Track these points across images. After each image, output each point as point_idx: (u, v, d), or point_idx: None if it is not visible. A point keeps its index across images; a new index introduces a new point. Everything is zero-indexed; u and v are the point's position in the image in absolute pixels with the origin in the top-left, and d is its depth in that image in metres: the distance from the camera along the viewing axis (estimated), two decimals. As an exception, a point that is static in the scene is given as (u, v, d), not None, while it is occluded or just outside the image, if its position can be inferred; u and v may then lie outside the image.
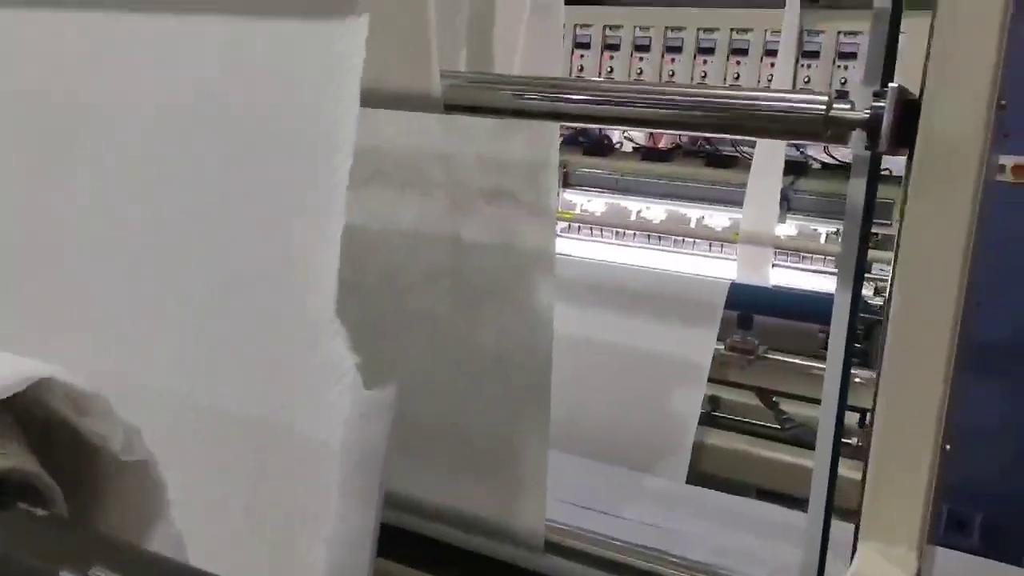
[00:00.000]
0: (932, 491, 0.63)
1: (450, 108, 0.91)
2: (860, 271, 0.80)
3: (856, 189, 0.77)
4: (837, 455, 0.83)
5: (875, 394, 0.82)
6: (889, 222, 2.45)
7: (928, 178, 0.56)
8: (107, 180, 0.82)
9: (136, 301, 0.79)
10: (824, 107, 0.73)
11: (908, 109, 0.71)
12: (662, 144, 2.59)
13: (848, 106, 0.76)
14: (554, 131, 1.18)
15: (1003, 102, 0.61)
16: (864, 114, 0.72)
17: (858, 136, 0.75)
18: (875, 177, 0.80)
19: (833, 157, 2.45)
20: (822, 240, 2.57)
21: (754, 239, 2.32)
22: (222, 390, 0.74)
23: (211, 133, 0.77)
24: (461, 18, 1.00)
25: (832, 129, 0.74)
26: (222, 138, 0.76)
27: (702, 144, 2.58)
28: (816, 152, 2.44)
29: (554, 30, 1.18)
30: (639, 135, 2.60)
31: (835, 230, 2.58)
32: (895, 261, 0.80)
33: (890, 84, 0.71)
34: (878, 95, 0.72)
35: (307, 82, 0.71)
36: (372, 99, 0.69)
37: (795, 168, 2.39)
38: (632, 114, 0.82)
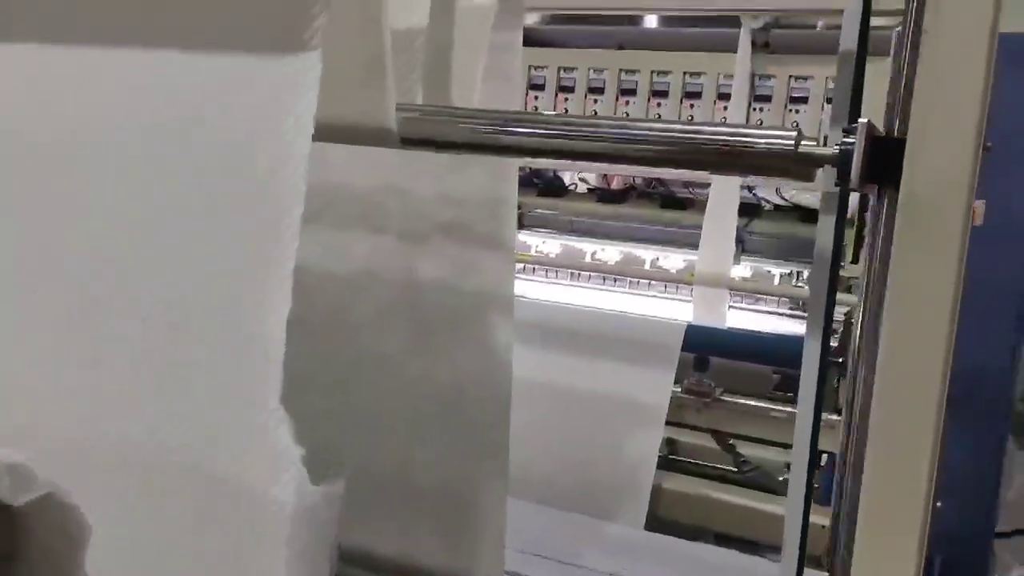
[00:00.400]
0: (923, 550, 0.60)
1: (407, 142, 0.88)
2: (830, 310, 0.78)
3: (825, 226, 0.75)
4: (809, 504, 0.80)
5: (846, 443, 0.79)
6: (841, 263, 2.49)
7: (914, 221, 0.54)
8: (45, 222, 0.77)
9: (76, 350, 0.74)
10: (793, 143, 0.71)
11: (877, 146, 0.69)
12: (615, 184, 2.59)
13: (813, 142, 0.75)
14: (513, 163, 1.16)
15: (988, 144, 0.60)
16: (833, 150, 0.70)
17: (827, 173, 0.74)
18: (843, 215, 0.78)
19: (784, 199, 2.48)
20: (775, 281, 2.58)
21: (710, 280, 2.31)
22: (165, 444, 0.69)
23: (155, 173, 0.72)
24: (417, 57, 0.97)
25: (801, 165, 0.72)
26: (166, 179, 0.72)
27: (655, 185, 2.59)
28: (768, 194, 2.47)
29: (513, 70, 1.16)
30: (592, 176, 2.60)
31: (788, 272, 2.60)
32: (864, 302, 0.78)
33: (859, 120, 0.70)
34: (848, 131, 0.71)
35: (257, 120, 0.68)
36: (326, 133, 0.66)
37: (748, 210, 2.40)
38: (598, 149, 0.79)
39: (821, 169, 0.76)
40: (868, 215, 0.82)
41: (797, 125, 2.30)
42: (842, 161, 0.70)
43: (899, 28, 0.74)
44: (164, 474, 0.68)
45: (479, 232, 1.18)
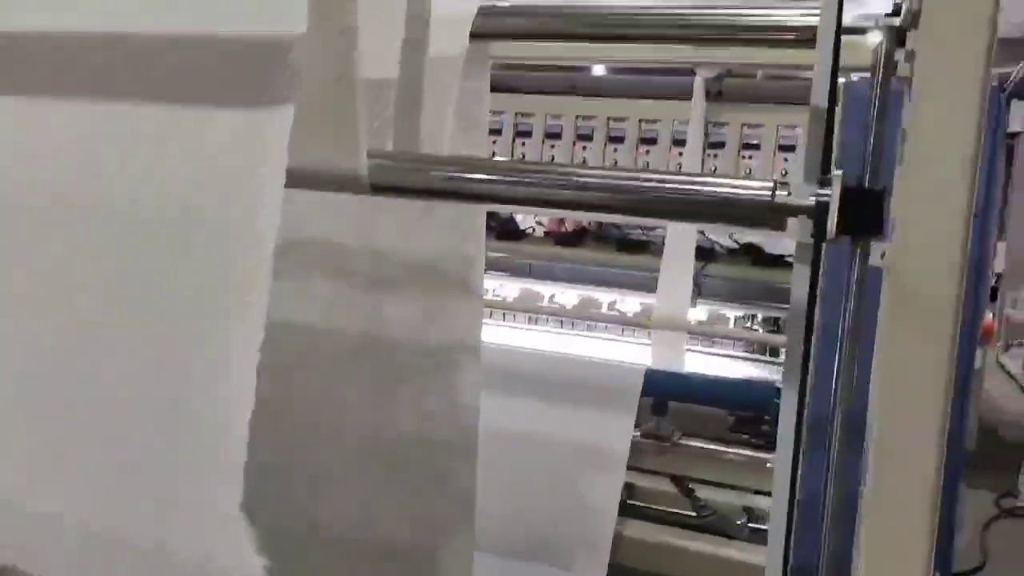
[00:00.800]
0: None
1: (377, 189, 0.86)
2: (807, 361, 0.78)
3: (800, 276, 0.75)
4: (788, 553, 0.79)
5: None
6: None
7: (905, 296, 0.54)
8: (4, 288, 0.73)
9: (33, 420, 0.70)
10: (769, 194, 0.72)
11: (851, 197, 0.70)
12: (567, 227, 2.60)
13: (786, 192, 0.75)
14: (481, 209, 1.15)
15: (976, 214, 0.61)
16: (810, 202, 0.71)
17: (802, 224, 0.74)
18: (818, 266, 0.79)
19: (737, 243, 2.51)
20: (731, 324, 2.60)
21: (668, 324, 2.32)
22: (123, 520, 0.66)
23: (120, 231, 0.70)
24: (388, 106, 0.97)
25: (777, 216, 0.73)
26: (130, 238, 0.69)
27: (607, 228, 2.60)
28: (721, 237, 2.50)
29: (482, 117, 1.16)
30: (545, 219, 2.61)
31: (743, 314, 2.62)
32: (840, 349, 0.78)
33: (834, 172, 0.71)
34: (823, 183, 0.72)
35: (227, 175, 0.66)
36: (296, 180, 0.65)
37: (703, 253, 2.43)
38: (575, 198, 0.79)
39: (795, 219, 0.76)
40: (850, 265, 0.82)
41: (750, 171, 2.34)
42: (818, 212, 0.71)
43: (872, 85, 0.75)
44: (123, 549, 0.65)
45: (447, 279, 1.16)
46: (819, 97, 0.76)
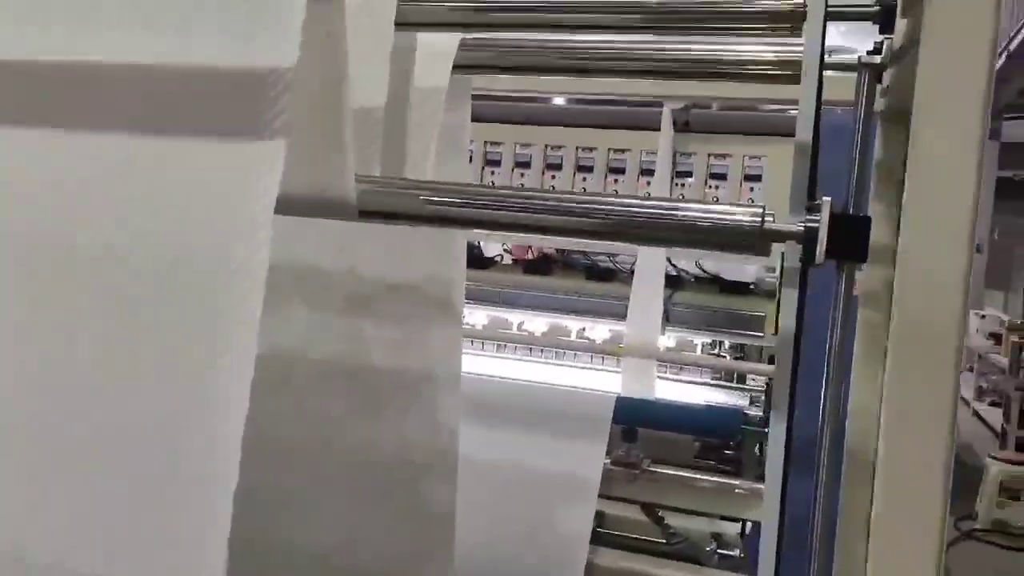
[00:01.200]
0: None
1: (365, 215, 0.86)
2: (794, 384, 0.79)
3: (788, 300, 0.77)
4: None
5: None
6: (761, 334, 2.56)
7: (912, 328, 0.56)
8: None
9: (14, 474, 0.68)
10: (759, 221, 0.74)
11: (837, 223, 0.72)
12: (532, 254, 2.62)
13: (771, 218, 0.77)
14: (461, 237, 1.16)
15: (978, 244, 0.62)
16: (799, 227, 0.73)
17: (790, 250, 0.76)
18: (805, 289, 0.80)
19: (703, 270, 2.54)
20: (698, 351, 2.63)
21: (639, 351, 2.34)
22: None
23: (104, 267, 0.69)
24: (376, 135, 0.97)
25: (767, 242, 0.74)
26: (117, 273, 0.68)
27: (574, 256, 2.62)
28: (688, 265, 2.53)
29: (464, 146, 1.17)
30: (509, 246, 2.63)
31: (711, 341, 2.65)
32: (827, 369, 0.79)
33: (823, 198, 0.73)
34: (811, 209, 0.73)
35: (218, 209, 0.65)
36: (283, 205, 0.64)
37: (671, 281, 2.45)
38: (564, 224, 0.79)
39: (779, 245, 0.78)
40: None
41: (717, 200, 2.38)
42: (807, 238, 0.72)
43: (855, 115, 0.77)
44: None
45: (428, 302, 1.17)
46: (804, 130, 0.78)
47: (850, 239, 0.73)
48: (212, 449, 0.63)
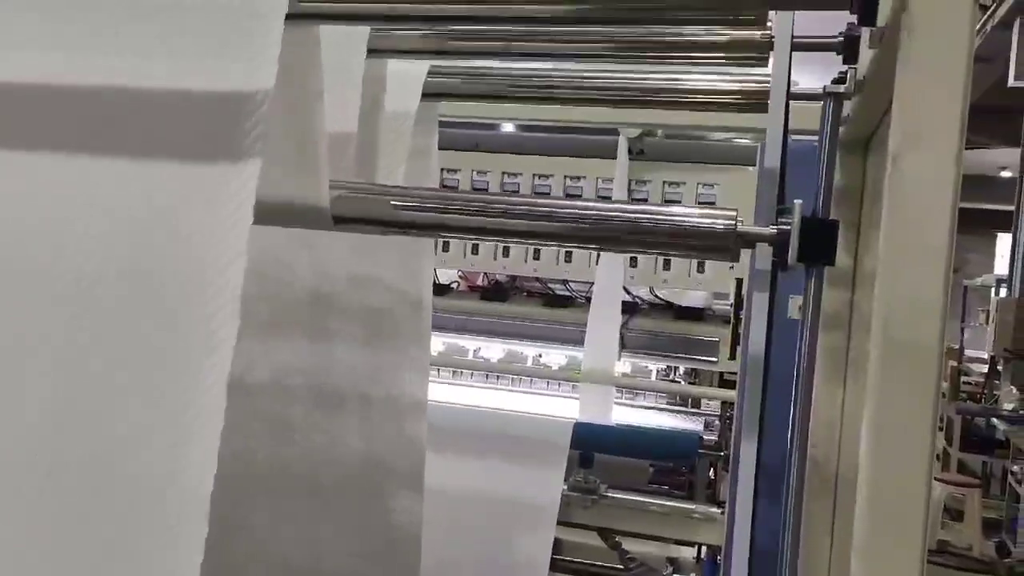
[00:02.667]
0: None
1: (340, 221, 0.85)
2: (764, 396, 0.80)
3: (760, 304, 0.77)
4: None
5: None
6: (715, 359, 2.59)
7: (894, 353, 0.57)
8: None
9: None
10: (733, 223, 0.75)
11: (808, 227, 0.73)
12: (488, 281, 2.63)
13: (742, 223, 0.78)
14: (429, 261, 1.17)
15: (955, 268, 0.64)
16: (772, 230, 0.75)
17: (761, 252, 0.77)
18: (775, 292, 0.81)
19: (658, 297, 2.58)
20: (653, 377, 2.66)
21: (597, 377, 2.35)
22: None
23: (75, 290, 0.67)
24: (348, 157, 0.97)
25: (740, 244, 0.75)
26: (88, 297, 0.67)
27: (530, 283, 2.63)
28: (642, 292, 2.56)
29: (432, 171, 1.17)
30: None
31: (664, 367, 2.68)
32: (796, 382, 0.80)
33: (795, 201, 0.74)
34: (782, 212, 0.75)
35: (191, 231, 0.65)
36: (257, 214, 0.64)
37: (627, 307, 2.48)
38: (541, 229, 0.80)
39: (750, 250, 0.79)
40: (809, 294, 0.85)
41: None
42: (779, 240, 0.74)
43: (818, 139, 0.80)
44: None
45: (395, 322, 1.17)
46: (773, 149, 0.80)
47: (820, 242, 0.74)
48: (185, 475, 0.61)
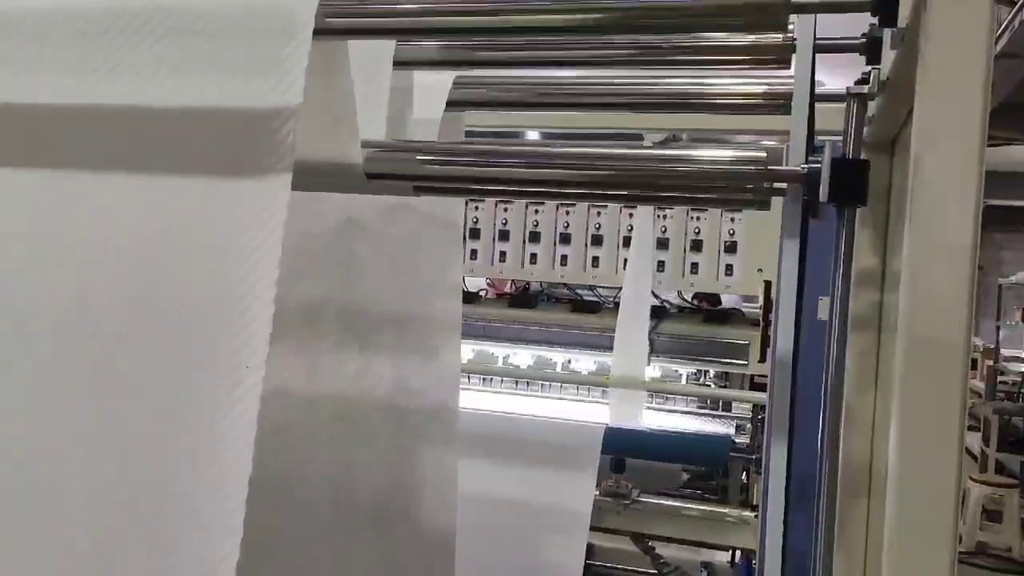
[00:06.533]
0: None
1: (372, 177, 0.86)
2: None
3: (789, 251, 0.76)
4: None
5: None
6: (745, 362, 2.58)
7: (919, 352, 0.57)
8: None
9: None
10: (764, 163, 0.75)
11: (839, 166, 0.73)
12: (514, 288, 2.64)
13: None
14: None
15: (986, 266, 0.64)
16: (802, 169, 0.74)
17: (792, 193, 0.77)
18: (806, 236, 0.79)
19: (685, 300, 2.57)
20: (683, 381, 2.65)
21: (626, 382, 2.35)
22: None
23: (110, 305, 0.69)
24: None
25: (771, 182, 0.75)
26: (122, 313, 0.68)
27: (558, 289, 2.64)
28: (671, 296, 2.56)
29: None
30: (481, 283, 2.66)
31: (695, 371, 2.67)
32: (829, 337, 0.79)
33: (825, 140, 0.74)
34: (815, 150, 0.75)
35: (223, 247, 0.66)
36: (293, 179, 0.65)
37: (655, 312, 2.47)
38: (571, 177, 0.80)
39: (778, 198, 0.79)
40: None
41: (698, 231, 2.41)
42: (810, 179, 0.74)
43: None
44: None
45: (426, 333, 1.18)
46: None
47: (851, 181, 0.73)
48: (218, 494, 0.63)
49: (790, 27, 0.83)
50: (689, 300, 2.55)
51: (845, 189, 0.73)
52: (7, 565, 0.68)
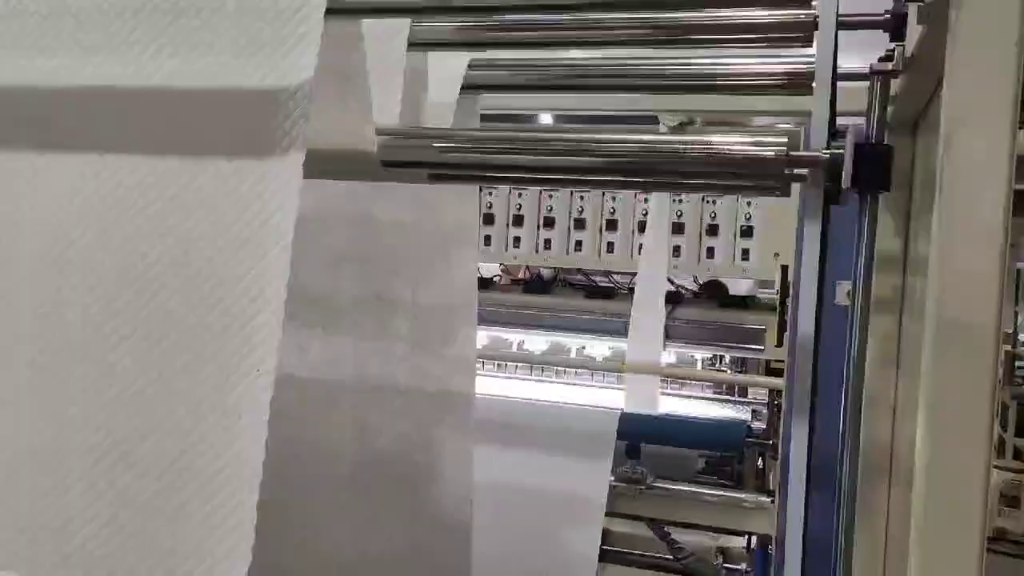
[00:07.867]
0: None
1: (388, 165, 0.85)
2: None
3: (811, 237, 0.74)
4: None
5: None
6: (761, 347, 2.56)
7: (949, 335, 0.56)
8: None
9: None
10: (785, 148, 0.73)
11: (861, 152, 0.72)
12: (528, 274, 2.63)
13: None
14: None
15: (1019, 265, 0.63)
16: (824, 154, 0.73)
17: (813, 178, 0.75)
18: (828, 221, 0.78)
19: (702, 286, 2.55)
20: (699, 366, 2.64)
21: (641, 368, 2.34)
22: None
23: (124, 287, 0.68)
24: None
25: (793, 168, 0.74)
26: (137, 295, 0.68)
27: (565, 273, 2.62)
28: (686, 281, 2.54)
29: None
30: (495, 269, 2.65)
31: (710, 356, 2.66)
32: (850, 328, 0.78)
33: (848, 124, 0.72)
34: (837, 135, 0.73)
35: (237, 227, 0.65)
36: (308, 166, 0.64)
37: (671, 297, 2.46)
38: (590, 164, 0.79)
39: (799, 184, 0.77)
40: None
41: (715, 215, 2.39)
42: (832, 165, 0.72)
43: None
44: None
45: (442, 327, 1.17)
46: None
47: (875, 167, 0.72)
48: (233, 476, 0.62)
49: (813, 3, 0.81)
50: (697, 288, 2.53)
51: (869, 175, 0.71)
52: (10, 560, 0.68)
